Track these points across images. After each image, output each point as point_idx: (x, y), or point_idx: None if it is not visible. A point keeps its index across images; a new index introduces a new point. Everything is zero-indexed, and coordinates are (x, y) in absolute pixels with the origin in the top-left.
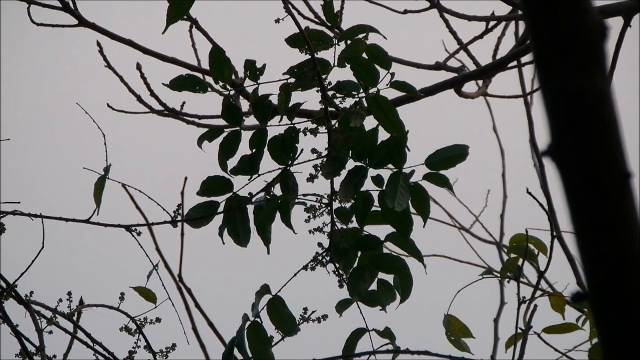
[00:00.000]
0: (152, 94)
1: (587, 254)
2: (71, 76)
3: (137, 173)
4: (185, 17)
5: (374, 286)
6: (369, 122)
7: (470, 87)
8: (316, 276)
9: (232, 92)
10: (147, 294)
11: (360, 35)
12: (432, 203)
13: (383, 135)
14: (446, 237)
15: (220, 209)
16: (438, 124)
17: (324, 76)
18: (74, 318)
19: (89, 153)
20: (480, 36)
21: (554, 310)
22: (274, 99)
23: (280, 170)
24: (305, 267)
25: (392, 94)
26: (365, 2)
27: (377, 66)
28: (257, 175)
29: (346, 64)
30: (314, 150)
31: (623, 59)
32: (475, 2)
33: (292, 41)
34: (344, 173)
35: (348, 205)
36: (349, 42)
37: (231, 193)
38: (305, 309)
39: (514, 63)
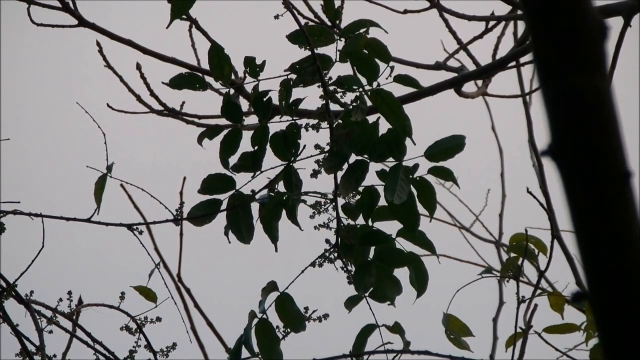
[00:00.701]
0: (152, 93)
1: (587, 254)
2: (71, 76)
3: (137, 173)
4: (185, 16)
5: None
6: (373, 118)
7: (470, 87)
8: (324, 272)
9: (231, 91)
10: (148, 294)
11: (361, 30)
12: None
13: (385, 129)
14: (446, 236)
15: (223, 206)
16: (438, 123)
17: (325, 72)
18: (74, 317)
19: (89, 153)
20: (480, 36)
21: (554, 310)
22: (274, 96)
23: (283, 167)
24: (313, 264)
25: (392, 89)
26: (365, 2)
27: (377, 60)
28: (260, 172)
29: (347, 59)
30: (317, 146)
31: (623, 59)
32: (475, 2)
33: (293, 37)
34: (346, 167)
35: (354, 200)
36: (349, 37)
37: (233, 190)
38: (307, 308)
39: (514, 63)
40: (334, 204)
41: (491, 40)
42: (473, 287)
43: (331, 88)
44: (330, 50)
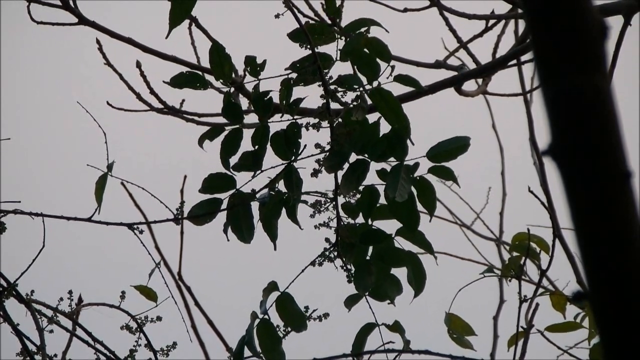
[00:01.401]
0: (152, 92)
1: (587, 253)
2: (71, 74)
3: (137, 171)
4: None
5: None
6: (373, 117)
7: (470, 85)
8: (324, 271)
9: (232, 90)
10: (148, 293)
11: (362, 29)
12: None
13: (385, 128)
14: (447, 234)
15: (224, 206)
16: (438, 122)
17: (326, 70)
18: (75, 317)
19: (89, 151)
20: (480, 34)
21: (555, 309)
22: (275, 96)
23: (284, 166)
24: (312, 263)
25: (393, 88)
26: (365, 1)
27: (377, 59)
28: (260, 171)
29: (347, 57)
30: (317, 145)
31: (623, 58)
32: (475, 1)
33: (294, 36)
34: (346, 166)
35: (354, 199)
36: (350, 35)
37: (234, 190)
38: (307, 307)
39: (514, 61)
40: (334, 203)
41: (491, 38)
42: (473, 285)
43: (332, 87)
44: (330, 49)
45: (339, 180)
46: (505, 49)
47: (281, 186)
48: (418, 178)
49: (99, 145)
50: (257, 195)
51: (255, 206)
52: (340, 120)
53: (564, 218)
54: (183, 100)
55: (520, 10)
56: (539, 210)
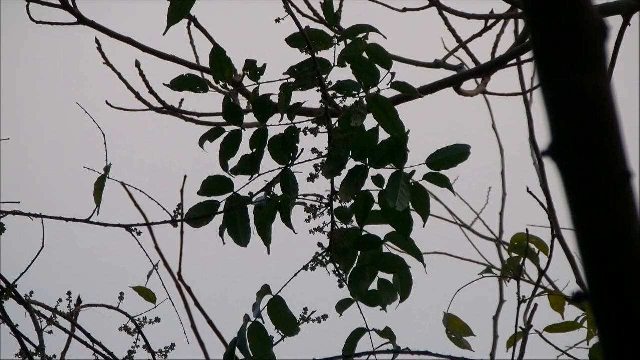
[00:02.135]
0: (151, 91)
1: (587, 253)
2: (70, 74)
3: (136, 171)
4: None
5: (374, 286)
6: (370, 122)
7: (469, 85)
8: (317, 276)
9: (232, 91)
10: (147, 294)
11: (361, 35)
12: (434, 200)
13: (383, 135)
14: (447, 234)
15: (221, 208)
16: (437, 122)
17: (324, 76)
18: (74, 318)
19: (88, 152)
20: (480, 34)
21: (554, 310)
22: (275, 99)
23: (280, 170)
24: (305, 268)
25: (392, 92)
26: (365, 1)
27: (377, 66)
28: (257, 175)
29: (346, 63)
30: (314, 150)
31: (623, 58)
32: (475, 1)
33: (292, 41)
34: (344, 173)
35: (348, 205)
36: (349, 41)
37: (232, 193)
38: (306, 309)
39: (515, 61)
40: (329, 208)
41: (491, 38)
42: (473, 285)
43: (331, 93)
44: (328, 55)
45: (336, 186)
46: (505, 48)
47: (277, 190)
48: (413, 184)
49: (98, 145)
50: (254, 199)
51: (251, 209)
52: (336, 125)
53: (564, 218)
54: (182, 100)
55: (519, 10)
56: (539, 210)
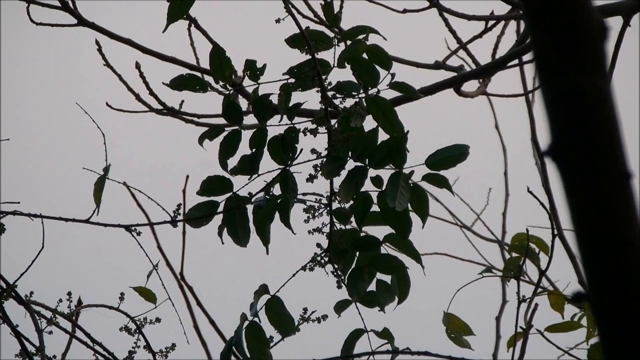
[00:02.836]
0: (151, 93)
1: (587, 254)
2: (70, 75)
3: (136, 172)
4: (184, 16)
5: (372, 287)
6: (369, 123)
7: (470, 86)
8: (315, 277)
9: (232, 92)
10: (147, 294)
11: (361, 36)
12: (434, 201)
13: (383, 135)
14: (448, 235)
15: (220, 208)
16: (438, 123)
17: (324, 76)
18: (74, 318)
19: (88, 152)
20: (480, 35)
21: (554, 310)
22: (274, 99)
23: (280, 170)
24: (304, 268)
25: (391, 93)
26: (365, 2)
27: (377, 67)
28: (256, 175)
29: (346, 64)
30: (313, 151)
31: (623, 59)
32: (475, 2)
33: (292, 41)
34: (343, 173)
35: (347, 205)
36: (349, 42)
37: (231, 193)
38: (305, 309)
39: (514, 62)
40: (328, 208)
41: (491, 39)
42: (477, 286)
43: (330, 93)
44: (327, 55)
45: (335, 186)
46: (505, 49)
47: (276, 190)
48: (412, 185)
49: (98, 146)
50: (253, 199)
51: (250, 209)
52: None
53: (566, 218)
54: (182, 102)
55: (520, 11)
56: (541, 210)
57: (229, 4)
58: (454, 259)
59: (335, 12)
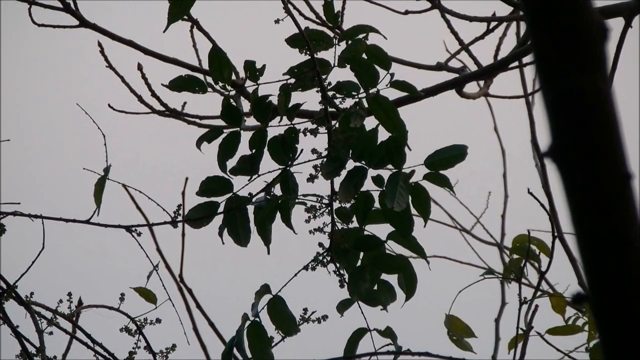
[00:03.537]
0: (153, 94)
1: (587, 255)
2: (72, 77)
3: (138, 173)
4: (186, 17)
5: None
6: (369, 123)
7: (471, 87)
8: (317, 276)
9: (232, 93)
10: (148, 295)
11: (361, 36)
12: (433, 204)
13: (383, 135)
14: (447, 238)
15: (221, 209)
16: (439, 124)
17: (324, 76)
18: (74, 319)
19: (89, 153)
20: (482, 37)
21: (555, 312)
22: (274, 100)
23: (280, 171)
24: (306, 267)
25: (392, 94)
26: (366, 3)
27: (377, 66)
28: (257, 175)
29: (346, 64)
30: (314, 151)
31: (624, 60)
32: (476, 3)
33: (292, 41)
34: (344, 173)
35: (348, 205)
36: (349, 42)
37: (231, 193)
38: (306, 310)
39: (517, 63)
40: (329, 208)
41: (493, 41)
42: (476, 288)
43: (330, 93)
44: (328, 55)
45: (336, 187)
46: (507, 51)
47: (277, 190)
48: (413, 184)
49: (99, 146)
50: (254, 199)
51: (251, 209)
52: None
53: (566, 220)
54: (185, 103)
55: (521, 13)
56: (541, 213)
57: (229, 4)
58: (453, 262)
59: (336, 12)
